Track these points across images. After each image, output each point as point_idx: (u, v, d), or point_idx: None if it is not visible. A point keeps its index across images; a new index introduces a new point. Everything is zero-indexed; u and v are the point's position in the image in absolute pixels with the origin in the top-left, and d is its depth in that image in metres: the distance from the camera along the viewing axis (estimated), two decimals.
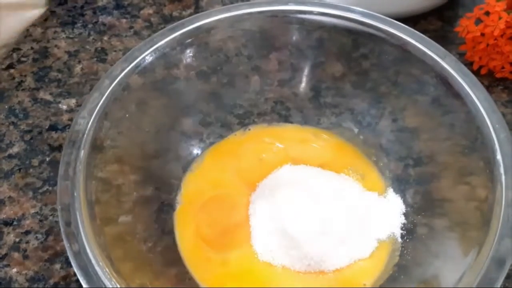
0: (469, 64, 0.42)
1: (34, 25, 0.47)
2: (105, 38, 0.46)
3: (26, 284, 0.33)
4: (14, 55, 0.45)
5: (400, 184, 0.35)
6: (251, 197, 0.35)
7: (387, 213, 0.34)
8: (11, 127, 0.40)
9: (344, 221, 0.33)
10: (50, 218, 0.35)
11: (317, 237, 0.32)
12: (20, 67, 0.44)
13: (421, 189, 0.35)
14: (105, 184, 0.31)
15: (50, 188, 0.37)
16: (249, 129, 0.39)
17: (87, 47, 0.45)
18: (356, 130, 0.38)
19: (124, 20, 0.48)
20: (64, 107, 0.41)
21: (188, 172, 0.37)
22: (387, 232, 0.33)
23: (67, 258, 0.33)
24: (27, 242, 0.34)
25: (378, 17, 0.35)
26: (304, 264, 0.32)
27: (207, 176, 0.37)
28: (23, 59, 0.45)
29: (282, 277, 0.32)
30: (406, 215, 0.34)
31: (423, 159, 0.35)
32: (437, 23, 0.47)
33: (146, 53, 0.34)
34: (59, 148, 0.39)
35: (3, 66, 0.44)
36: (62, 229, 0.27)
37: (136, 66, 0.33)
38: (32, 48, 0.45)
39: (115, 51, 0.45)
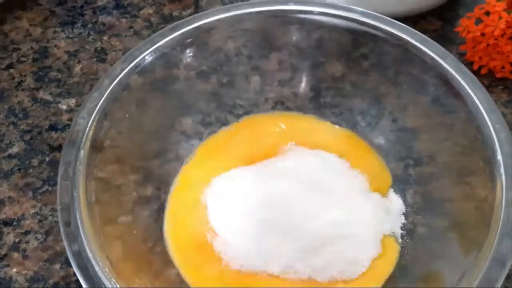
0: (469, 64, 0.42)
1: (34, 25, 0.47)
2: (105, 38, 0.46)
3: (26, 284, 0.33)
4: (14, 55, 0.45)
5: (400, 184, 0.35)
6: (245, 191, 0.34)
7: (387, 212, 0.34)
8: (11, 127, 0.40)
9: (358, 220, 0.32)
10: (50, 218, 0.35)
11: (337, 242, 0.31)
12: (19, 67, 0.44)
13: (421, 189, 0.35)
14: (105, 184, 0.31)
15: (50, 188, 0.37)
16: (241, 120, 0.38)
17: (87, 47, 0.45)
18: (356, 130, 0.38)
19: (124, 20, 0.47)
20: (64, 107, 0.41)
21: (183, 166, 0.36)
22: (387, 232, 0.33)
23: (67, 258, 0.33)
24: (27, 242, 0.34)
25: (378, 17, 0.35)
26: (328, 276, 0.31)
27: (198, 170, 0.36)
28: (22, 59, 0.45)
29: None
30: (406, 215, 0.34)
31: (423, 159, 0.35)
32: (437, 23, 0.47)
33: (146, 53, 0.34)
34: (59, 148, 0.39)
35: (3, 66, 0.44)
36: (61, 229, 0.27)
37: (136, 66, 0.33)
38: (31, 48, 0.45)
39: (115, 51, 0.45)
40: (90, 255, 0.26)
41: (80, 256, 0.26)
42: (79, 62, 0.44)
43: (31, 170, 0.38)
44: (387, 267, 0.32)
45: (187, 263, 0.32)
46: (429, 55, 0.33)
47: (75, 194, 0.28)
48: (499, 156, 0.29)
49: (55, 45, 0.46)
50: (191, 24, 0.35)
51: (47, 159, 0.38)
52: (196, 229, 0.33)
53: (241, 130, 0.38)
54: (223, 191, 0.34)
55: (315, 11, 0.36)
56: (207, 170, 0.35)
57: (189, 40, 0.35)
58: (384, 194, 0.35)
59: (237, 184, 0.34)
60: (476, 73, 0.41)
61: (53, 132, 0.40)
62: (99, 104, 0.31)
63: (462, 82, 0.32)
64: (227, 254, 0.32)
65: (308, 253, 0.31)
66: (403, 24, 0.35)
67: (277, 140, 0.37)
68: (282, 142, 0.37)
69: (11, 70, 0.44)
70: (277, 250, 0.31)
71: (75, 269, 0.26)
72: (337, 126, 0.38)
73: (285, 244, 0.31)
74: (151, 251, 0.32)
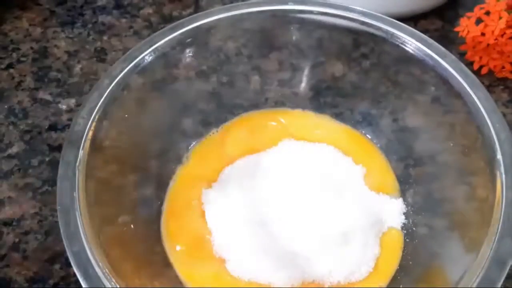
0: (469, 64, 0.42)
1: (33, 25, 0.47)
2: (105, 38, 0.46)
3: (26, 285, 0.33)
4: (14, 54, 0.45)
5: (400, 184, 0.35)
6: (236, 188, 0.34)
7: (388, 211, 0.34)
8: (11, 127, 0.40)
9: (359, 219, 0.32)
10: (50, 218, 0.35)
11: (340, 244, 0.31)
12: (19, 67, 0.44)
13: (421, 189, 0.35)
14: (105, 184, 0.31)
15: (50, 188, 0.37)
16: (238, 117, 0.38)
17: (87, 47, 0.45)
18: (355, 130, 0.38)
19: (123, 20, 0.47)
20: (64, 107, 0.41)
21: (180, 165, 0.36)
22: (389, 230, 0.33)
23: (66, 259, 0.32)
24: (27, 243, 0.34)
25: (378, 17, 0.35)
26: (334, 282, 0.31)
27: (197, 170, 0.36)
28: (22, 59, 0.45)
29: None
30: (406, 215, 0.34)
31: (423, 159, 0.35)
32: (438, 22, 0.47)
33: (146, 53, 0.34)
34: (59, 148, 0.39)
35: (3, 66, 0.44)
36: (61, 230, 0.27)
37: (136, 66, 0.33)
38: (31, 48, 0.45)
39: (114, 51, 0.45)
40: (90, 255, 0.26)
41: (80, 256, 0.26)
42: (79, 62, 0.44)
43: (31, 170, 0.38)
44: (392, 266, 0.32)
45: (184, 263, 0.32)
46: (429, 55, 0.33)
47: (74, 195, 0.28)
48: (499, 156, 0.29)
49: (55, 45, 0.46)
50: (191, 24, 0.35)
51: (47, 159, 0.38)
52: (194, 229, 0.33)
53: (238, 128, 0.38)
54: (221, 191, 0.34)
55: (315, 11, 0.36)
56: (206, 170, 0.35)
57: (189, 40, 0.35)
58: (385, 192, 0.35)
59: (234, 184, 0.34)
60: (476, 73, 0.41)
61: (53, 132, 0.40)
62: (99, 104, 0.31)
63: (462, 82, 0.32)
64: (225, 255, 0.32)
65: (310, 259, 0.31)
66: (403, 24, 0.35)
67: (275, 136, 0.37)
68: (280, 138, 0.37)
69: (11, 70, 0.44)
70: (278, 252, 0.31)
71: (75, 269, 0.26)
72: (338, 122, 0.38)
73: (285, 247, 0.31)
74: (150, 251, 0.32)
